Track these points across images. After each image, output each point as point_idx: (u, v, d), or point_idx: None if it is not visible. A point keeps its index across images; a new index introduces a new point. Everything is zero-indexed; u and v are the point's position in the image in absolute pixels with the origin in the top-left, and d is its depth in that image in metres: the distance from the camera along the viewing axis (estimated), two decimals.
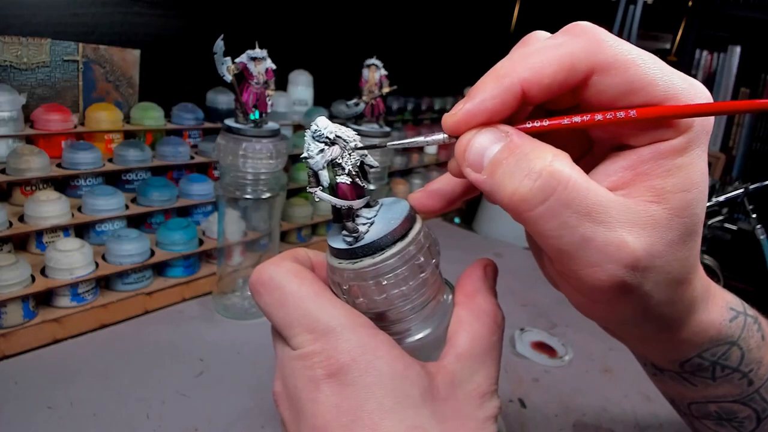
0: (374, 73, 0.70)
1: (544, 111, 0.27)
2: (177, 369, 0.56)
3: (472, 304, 0.27)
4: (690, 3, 1.47)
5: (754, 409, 0.31)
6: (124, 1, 0.78)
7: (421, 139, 0.26)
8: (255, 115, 0.58)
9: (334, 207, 0.26)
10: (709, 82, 1.54)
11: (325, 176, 0.25)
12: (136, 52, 0.78)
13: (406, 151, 1.21)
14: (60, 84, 0.72)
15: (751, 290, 0.91)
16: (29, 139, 0.68)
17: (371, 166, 0.27)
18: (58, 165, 0.68)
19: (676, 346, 0.28)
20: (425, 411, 0.23)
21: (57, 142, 0.70)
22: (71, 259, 0.58)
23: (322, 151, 0.25)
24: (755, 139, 1.43)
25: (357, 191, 0.26)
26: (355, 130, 0.26)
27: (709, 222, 0.90)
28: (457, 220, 1.17)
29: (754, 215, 0.79)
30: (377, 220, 0.26)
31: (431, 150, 1.27)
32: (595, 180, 0.22)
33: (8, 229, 0.59)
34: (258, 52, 0.56)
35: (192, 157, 0.79)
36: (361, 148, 0.26)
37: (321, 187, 0.25)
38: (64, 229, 0.64)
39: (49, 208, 0.61)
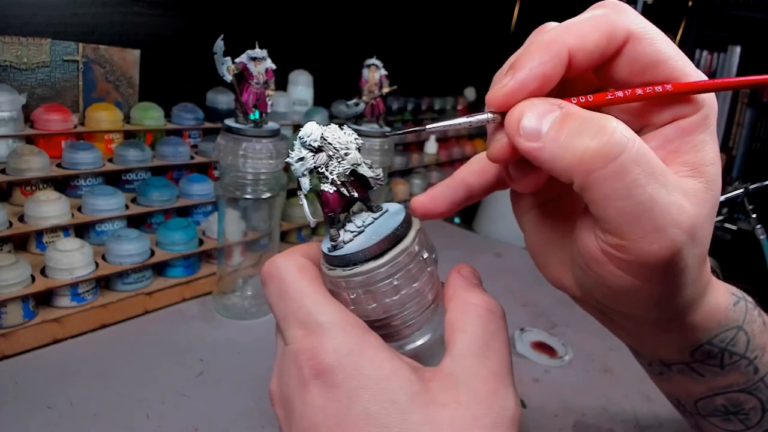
0: (374, 73, 0.70)
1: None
2: (177, 369, 0.56)
3: (456, 302, 0.27)
4: (690, 3, 1.47)
5: (760, 399, 0.31)
6: (124, 1, 0.78)
7: (463, 120, 0.24)
8: (255, 115, 0.58)
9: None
10: None
11: (305, 183, 0.25)
12: (136, 52, 0.78)
13: (406, 150, 1.21)
14: (60, 84, 0.72)
15: (751, 290, 0.91)
16: (29, 139, 0.68)
17: (374, 178, 0.26)
18: (58, 165, 0.68)
19: (689, 332, 0.28)
20: (414, 417, 0.22)
21: (57, 142, 0.70)
22: (71, 259, 0.58)
23: (302, 159, 0.25)
24: (755, 139, 1.43)
25: (343, 200, 0.25)
26: (354, 130, 0.26)
27: None
28: (457, 220, 1.17)
29: (754, 215, 0.79)
30: (367, 231, 0.26)
31: (431, 150, 1.27)
32: None
33: (8, 229, 0.59)
34: (258, 52, 0.56)
35: (192, 157, 0.79)
36: (396, 134, 0.25)
37: (302, 193, 0.25)
38: (64, 229, 0.64)
39: (49, 208, 0.61)
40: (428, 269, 0.26)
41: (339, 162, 0.25)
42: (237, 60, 0.55)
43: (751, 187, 0.80)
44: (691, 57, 1.51)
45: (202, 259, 0.73)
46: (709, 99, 0.23)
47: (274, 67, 0.58)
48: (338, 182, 0.25)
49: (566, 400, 0.58)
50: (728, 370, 0.30)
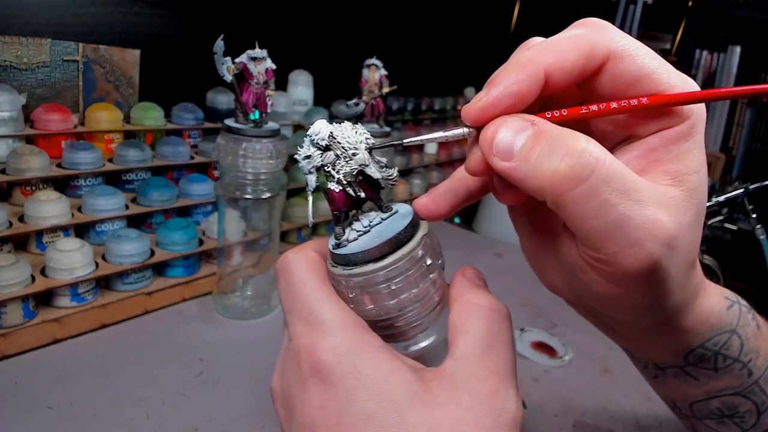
0: (374, 73, 0.70)
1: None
2: (177, 369, 0.56)
3: (460, 303, 0.26)
4: (690, 3, 1.47)
5: (754, 402, 0.31)
6: (124, 1, 0.78)
7: (440, 134, 0.25)
8: (255, 115, 0.58)
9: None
10: (709, 82, 1.54)
11: (312, 181, 0.25)
12: (136, 52, 0.78)
13: (406, 150, 1.21)
14: (60, 84, 0.72)
15: (751, 290, 0.91)
16: (29, 139, 0.68)
17: (384, 178, 0.26)
18: (58, 165, 0.68)
19: (681, 336, 0.28)
20: (412, 417, 0.22)
21: (57, 142, 0.70)
22: (71, 259, 0.58)
23: (308, 156, 0.25)
24: (755, 139, 1.43)
25: (349, 199, 0.25)
26: None
27: (709, 222, 0.90)
28: (457, 220, 1.17)
29: (754, 215, 0.79)
30: (373, 231, 0.26)
31: (431, 150, 1.27)
32: None
33: (8, 229, 0.59)
34: (258, 52, 0.56)
35: (192, 157, 0.79)
36: (376, 147, 0.25)
37: (309, 191, 0.25)
38: (64, 229, 0.64)
39: (49, 208, 0.61)
40: (431, 275, 0.26)
41: (346, 161, 0.25)
42: (237, 60, 0.55)
43: (751, 187, 0.81)
44: (691, 57, 1.51)
45: (202, 259, 0.73)
46: (697, 108, 0.23)
47: (274, 67, 0.58)
48: (344, 182, 0.25)
49: (566, 400, 0.58)
50: (722, 374, 0.30)
